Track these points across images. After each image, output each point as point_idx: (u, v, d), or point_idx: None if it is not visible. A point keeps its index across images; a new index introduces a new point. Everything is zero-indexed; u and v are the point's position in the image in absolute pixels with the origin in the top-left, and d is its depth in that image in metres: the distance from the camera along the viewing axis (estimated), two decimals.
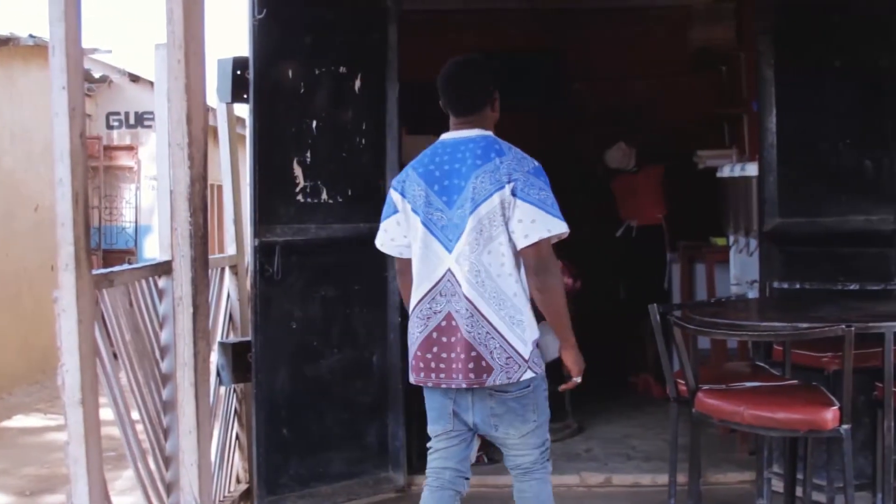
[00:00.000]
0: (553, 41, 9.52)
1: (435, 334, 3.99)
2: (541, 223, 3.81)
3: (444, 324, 3.97)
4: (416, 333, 4.05)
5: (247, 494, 5.81)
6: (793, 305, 5.09)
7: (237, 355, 5.48)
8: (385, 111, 5.80)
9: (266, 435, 5.44)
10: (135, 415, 4.39)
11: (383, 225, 4.19)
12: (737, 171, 7.19)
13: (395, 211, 4.13)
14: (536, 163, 3.94)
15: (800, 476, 4.93)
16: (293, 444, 5.55)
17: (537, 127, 9.02)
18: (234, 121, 6.17)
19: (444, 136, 4.10)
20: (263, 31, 5.36)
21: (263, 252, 5.40)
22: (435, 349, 3.99)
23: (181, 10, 4.18)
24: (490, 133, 4.03)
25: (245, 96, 5.47)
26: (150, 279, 4.61)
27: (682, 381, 4.49)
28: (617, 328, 7.98)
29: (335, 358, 5.67)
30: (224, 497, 5.62)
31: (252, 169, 5.37)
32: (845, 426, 3.95)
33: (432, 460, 4.18)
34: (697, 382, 4.40)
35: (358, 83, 5.69)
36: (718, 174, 7.57)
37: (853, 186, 5.55)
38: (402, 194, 4.08)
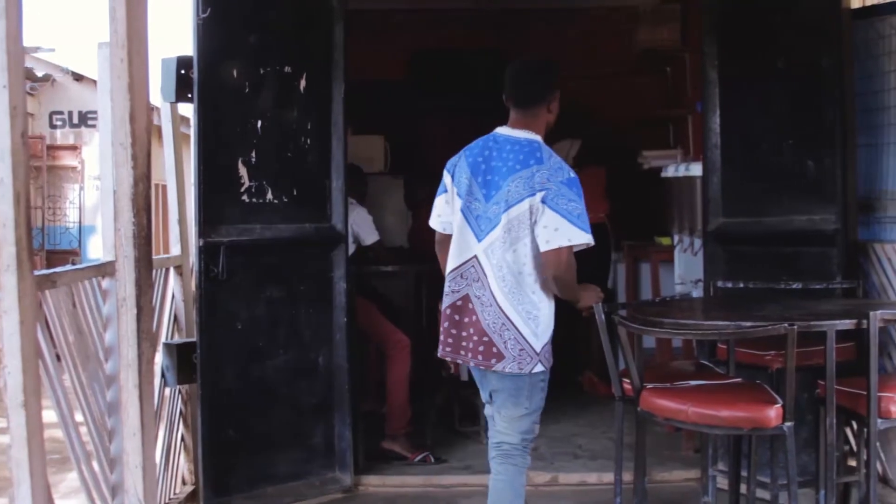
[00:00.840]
0: (496, 41, 9.50)
1: (448, 311, 4.33)
2: (563, 232, 4.10)
3: (459, 303, 4.29)
4: (443, 306, 4.41)
5: (192, 496, 5.77)
6: (736, 304, 5.12)
7: (182, 356, 5.44)
8: (331, 111, 5.79)
9: (212, 436, 5.39)
10: (79, 417, 4.35)
11: (435, 202, 4.48)
12: (681, 171, 7.24)
13: (445, 191, 4.43)
14: (573, 174, 4.19)
15: (744, 473, 4.97)
16: (239, 446, 5.51)
17: (477, 127, 9.01)
18: (179, 120, 6.12)
19: (499, 130, 4.36)
20: (208, 30, 5.31)
21: (208, 252, 5.36)
22: (446, 325, 4.34)
23: (124, 9, 4.16)
24: (537, 139, 4.27)
25: (189, 95, 5.42)
26: (94, 280, 4.58)
27: (628, 380, 4.51)
28: (562, 327, 8.00)
29: (281, 358, 5.65)
30: (170, 499, 5.58)
31: (196, 169, 5.32)
32: (788, 423, 3.98)
33: (491, 431, 4.45)
34: (642, 381, 4.42)
35: (303, 83, 5.68)
36: (663, 174, 7.62)
37: (796, 186, 5.60)
38: (452, 176, 4.39)
